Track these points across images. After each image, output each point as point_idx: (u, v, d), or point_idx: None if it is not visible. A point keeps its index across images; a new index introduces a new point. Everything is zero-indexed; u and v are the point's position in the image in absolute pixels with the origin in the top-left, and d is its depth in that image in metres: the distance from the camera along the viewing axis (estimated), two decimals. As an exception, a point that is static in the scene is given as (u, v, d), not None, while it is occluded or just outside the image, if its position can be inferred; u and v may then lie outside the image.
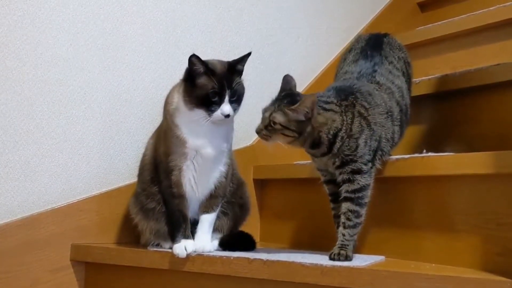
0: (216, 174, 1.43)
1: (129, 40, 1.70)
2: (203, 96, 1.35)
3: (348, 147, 1.28)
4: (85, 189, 1.60)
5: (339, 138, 1.29)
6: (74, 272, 1.54)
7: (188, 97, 1.37)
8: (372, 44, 1.48)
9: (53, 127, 1.55)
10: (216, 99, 1.35)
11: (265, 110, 1.31)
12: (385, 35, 1.53)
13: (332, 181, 1.37)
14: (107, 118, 1.65)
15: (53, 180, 1.54)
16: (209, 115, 1.35)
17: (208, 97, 1.35)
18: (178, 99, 1.40)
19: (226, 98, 1.36)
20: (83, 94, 1.60)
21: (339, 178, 1.31)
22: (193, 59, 1.35)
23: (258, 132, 1.30)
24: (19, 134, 1.49)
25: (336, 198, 1.35)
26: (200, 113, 1.35)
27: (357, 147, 1.28)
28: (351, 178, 1.29)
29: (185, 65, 1.37)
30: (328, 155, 1.31)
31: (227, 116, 1.35)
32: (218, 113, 1.35)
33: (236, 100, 1.39)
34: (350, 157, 1.29)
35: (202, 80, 1.36)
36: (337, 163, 1.30)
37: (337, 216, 1.34)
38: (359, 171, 1.28)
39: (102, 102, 1.64)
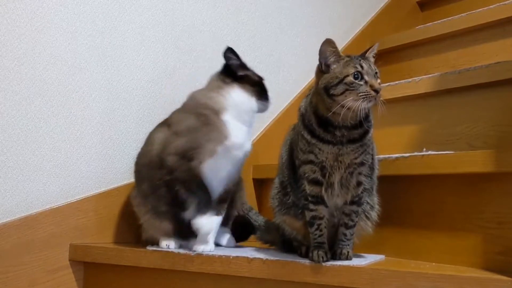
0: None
1: (128, 39, 1.70)
2: None
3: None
4: (84, 188, 1.59)
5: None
6: (73, 272, 1.54)
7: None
8: None
9: (52, 127, 1.54)
10: None
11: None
12: None
13: (319, 182, 1.21)
14: (105, 117, 1.64)
15: (51, 180, 1.54)
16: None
17: None
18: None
19: None
20: (82, 94, 1.60)
21: (355, 179, 1.20)
22: None
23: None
24: (17, 134, 1.48)
25: (317, 200, 1.21)
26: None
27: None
28: (364, 180, 1.21)
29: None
30: (356, 144, 1.16)
31: None
32: None
33: None
34: (369, 155, 1.20)
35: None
36: (359, 160, 1.17)
37: (319, 218, 1.21)
38: (366, 174, 1.23)
39: (101, 101, 1.63)
